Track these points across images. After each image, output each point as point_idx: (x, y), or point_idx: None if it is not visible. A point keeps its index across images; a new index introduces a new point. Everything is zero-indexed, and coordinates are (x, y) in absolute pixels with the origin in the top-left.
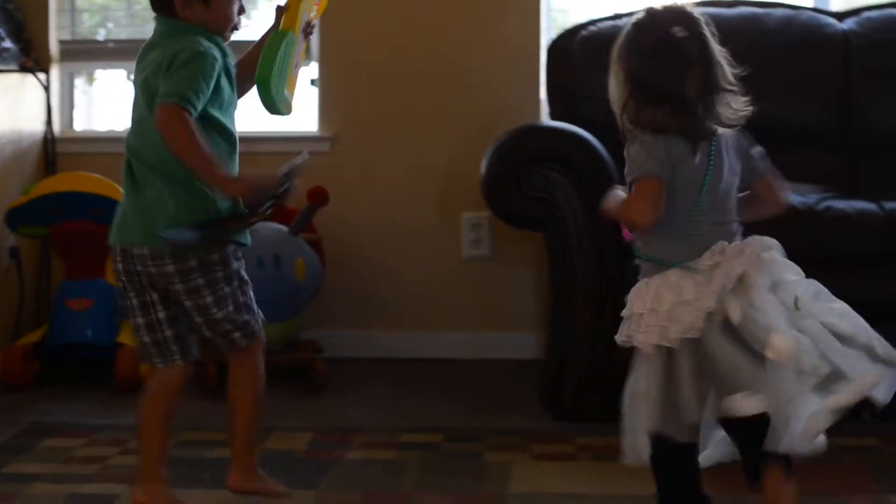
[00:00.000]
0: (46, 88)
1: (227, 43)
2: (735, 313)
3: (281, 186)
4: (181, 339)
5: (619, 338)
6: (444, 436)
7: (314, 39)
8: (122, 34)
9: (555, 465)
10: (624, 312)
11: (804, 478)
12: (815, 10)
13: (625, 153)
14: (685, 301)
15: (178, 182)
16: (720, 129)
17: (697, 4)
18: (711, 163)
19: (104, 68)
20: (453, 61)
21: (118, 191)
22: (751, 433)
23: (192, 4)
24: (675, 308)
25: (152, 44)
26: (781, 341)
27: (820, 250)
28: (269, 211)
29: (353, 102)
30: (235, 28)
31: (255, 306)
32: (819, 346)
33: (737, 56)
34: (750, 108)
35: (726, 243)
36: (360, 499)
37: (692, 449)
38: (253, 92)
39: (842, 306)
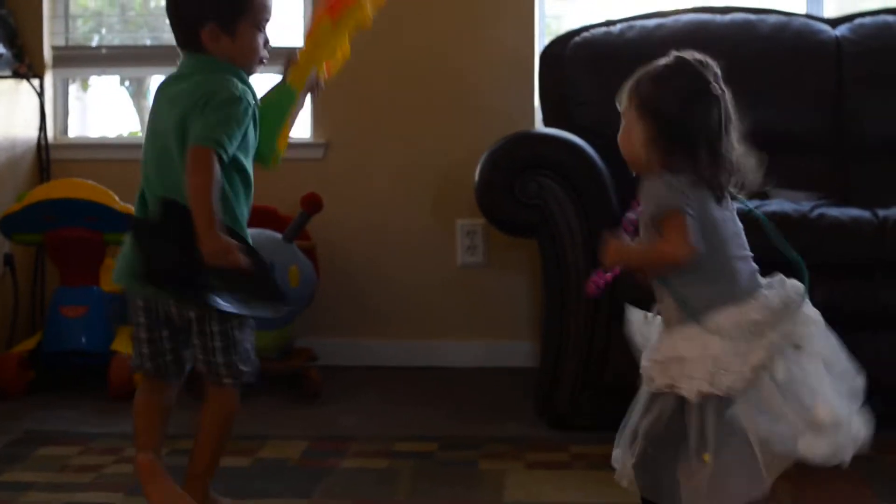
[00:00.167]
0: (40, 94)
1: (251, 77)
2: (780, 372)
3: (247, 274)
4: (180, 362)
5: (659, 382)
6: (439, 444)
7: None
8: (116, 40)
9: (549, 474)
10: (658, 356)
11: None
12: (808, 16)
13: (642, 191)
14: (737, 352)
15: None
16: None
17: (690, 10)
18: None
19: (98, 74)
20: (447, 68)
21: (112, 197)
22: None
23: (220, 38)
24: (726, 357)
25: (180, 76)
26: (826, 410)
27: (813, 258)
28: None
29: (346, 109)
30: (262, 62)
31: (253, 353)
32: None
33: (730, 62)
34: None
35: (767, 295)
36: None
37: None
38: None
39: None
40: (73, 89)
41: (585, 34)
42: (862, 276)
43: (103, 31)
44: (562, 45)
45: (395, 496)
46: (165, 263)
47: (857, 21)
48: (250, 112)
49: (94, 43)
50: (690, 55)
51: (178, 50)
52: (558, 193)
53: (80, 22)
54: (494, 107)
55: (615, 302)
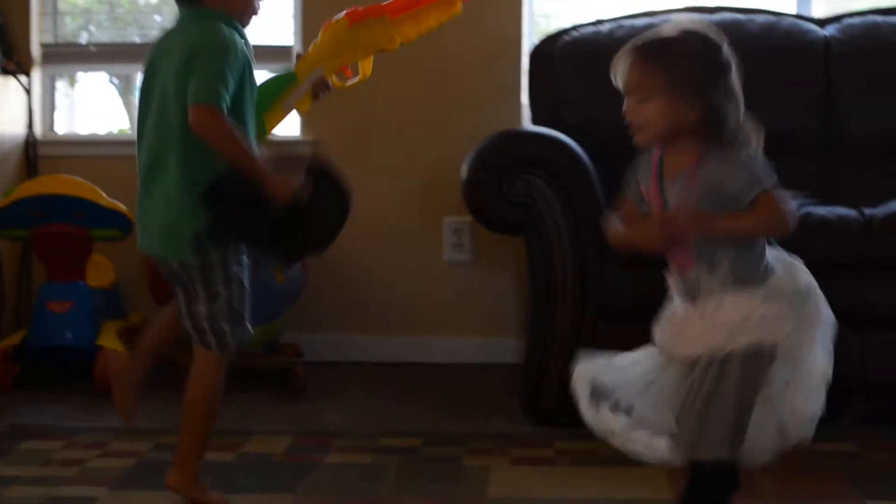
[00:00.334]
0: (28, 91)
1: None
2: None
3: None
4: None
5: (756, 334)
6: (423, 440)
7: (296, 45)
8: (104, 37)
9: (534, 470)
10: (711, 322)
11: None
12: (796, 16)
13: (739, 163)
14: (788, 314)
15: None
16: None
17: (679, 10)
18: None
19: (86, 71)
20: (435, 66)
21: (99, 194)
22: None
23: None
24: (780, 315)
25: (173, 30)
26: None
27: (800, 256)
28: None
29: (335, 107)
30: (255, 13)
31: (244, 320)
32: None
33: None
34: None
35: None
36: (338, 503)
37: None
38: None
39: None
40: (61, 86)
41: (574, 33)
42: (848, 275)
43: (91, 28)
44: (551, 44)
45: (380, 492)
46: (242, 222)
47: (846, 21)
48: (240, 56)
49: (82, 40)
50: (692, 23)
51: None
52: (546, 192)
53: (68, 19)
54: (483, 105)
55: (601, 300)
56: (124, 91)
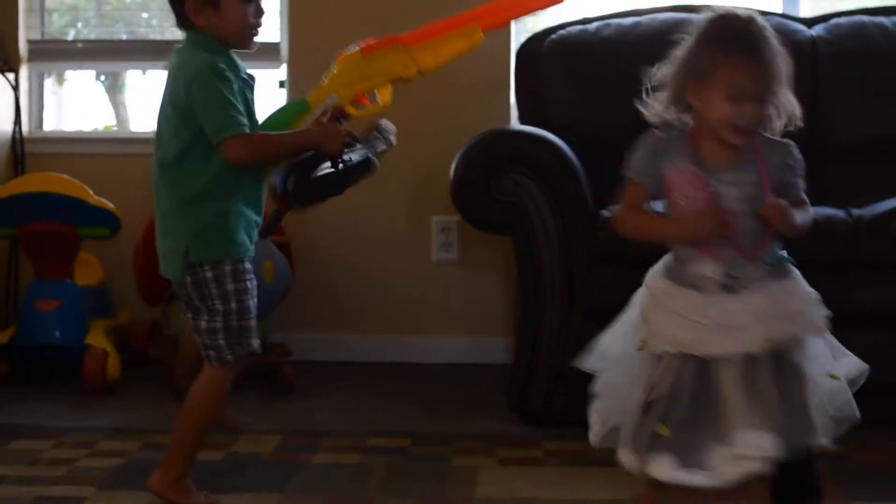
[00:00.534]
0: (15, 88)
1: (251, 50)
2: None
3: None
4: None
5: (816, 318)
6: (411, 440)
7: (283, 42)
8: (92, 34)
9: (522, 470)
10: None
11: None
12: (784, 15)
13: (794, 157)
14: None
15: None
16: None
17: (667, 9)
18: None
19: (74, 68)
20: None
21: (86, 191)
22: None
23: (204, 11)
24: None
25: (176, 51)
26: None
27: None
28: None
29: None
30: (254, 33)
31: (244, 336)
32: None
33: None
34: None
35: None
36: (325, 502)
37: None
38: None
39: None
40: (49, 83)
41: (562, 32)
42: (835, 275)
43: (79, 25)
44: (538, 43)
45: (367, 492)
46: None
47: (833, 21)
48: (229, 77)
49: (69, 37)
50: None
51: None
52: (533, 191)
53: (55, 16)
54: (470, 104)
55: (589, 299)
56: (112, 88)
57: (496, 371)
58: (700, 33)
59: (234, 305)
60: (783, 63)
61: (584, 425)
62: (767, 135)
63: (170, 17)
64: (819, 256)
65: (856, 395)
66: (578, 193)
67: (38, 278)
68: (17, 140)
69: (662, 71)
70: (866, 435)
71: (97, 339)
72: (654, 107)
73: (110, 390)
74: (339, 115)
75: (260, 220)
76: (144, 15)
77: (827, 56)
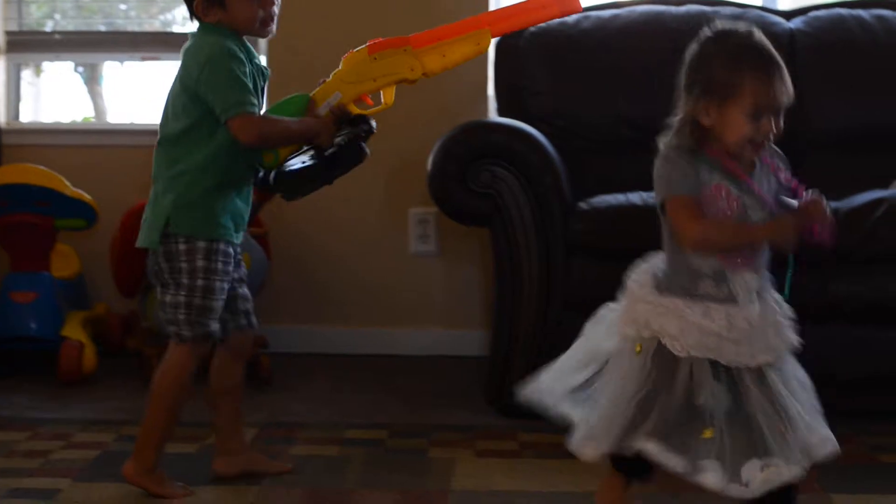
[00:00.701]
0: None
1: (266, 37)
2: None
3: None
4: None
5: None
6: (389, 432)
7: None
8: (70, 26)
9: (499, 462)
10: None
11: None
12: (762, 8)
13: (785, 160)
14: None
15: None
16: None
17: (645, 1)
18: None
19: (51, 60)
20: None
21: (63, 183)
22: None
23: (211, 9)
24: None
25: (191, 35)
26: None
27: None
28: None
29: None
30: (265, 24)
31: (205, 316)
32: None
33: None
34: None
35: None
36: (303, 494)
37: None
38: None
39: None
40: (27, 74)
41: (541, 24)
42: (812, 268)
43: (57, 16)
44: (517, 35)
45: (345, 484)
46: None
47: (812, 14)
48: (242, 59)
49: (47, 28)
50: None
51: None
52: (511, 183)
53: (33, 7)
54: (448, 96)
55: (566, 291)
56: (89, 80)
57: (473, 363)
58: (712, 53)
59: (199, 282)
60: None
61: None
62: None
63: (147, 9)
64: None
65: (829, 390)
66: (556, 186)
67: (14, 270)
68: None
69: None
70: (844, 428)
71: (73, 330)
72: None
73: (86, 382)
74: (339, 112)
75: (247, 211)
76: (122, 6)
77: (805, 49)
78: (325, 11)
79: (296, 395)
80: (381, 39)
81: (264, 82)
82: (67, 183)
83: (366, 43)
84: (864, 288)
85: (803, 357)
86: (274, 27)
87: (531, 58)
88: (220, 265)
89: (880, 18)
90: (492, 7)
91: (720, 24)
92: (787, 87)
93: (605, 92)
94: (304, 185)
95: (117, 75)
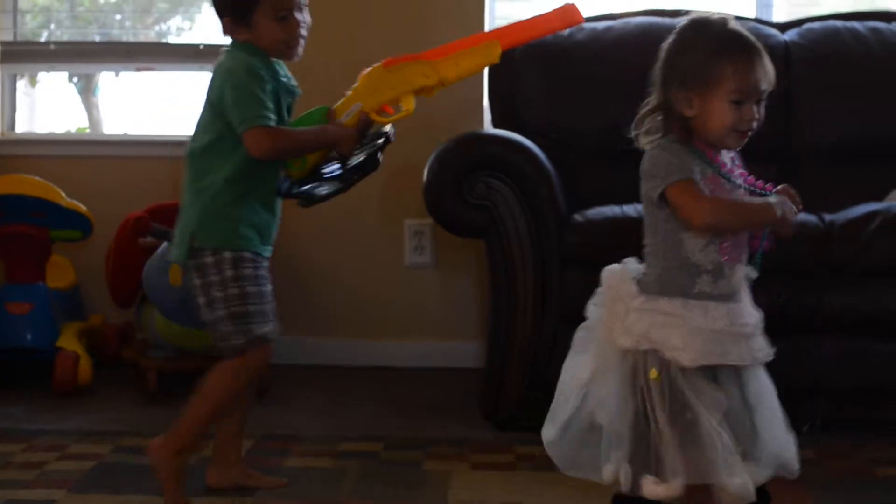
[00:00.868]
0: None
1: (293, 60)
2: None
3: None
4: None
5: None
6: (384, 444)
7: None
8: (65, 36)
9: (494, 475)
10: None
11: None
12: (757, 20)
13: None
14: None
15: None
16: None
17: (640, 13)
18: None
19: (47, 70)
20: None
21: (58, 193)
22: None
23: (238, 29)
24: None
25: (222, 52)
26: None
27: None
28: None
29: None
30: (290, 47)
31: (253, 320)
32: None
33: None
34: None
35: None
36: None
37: None
38: None
39: None
40: (21, 85)
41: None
42: (807, 280)
43: (52, 26)
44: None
45: (340, 496)
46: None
47: (807, 26)
48: (265, 77)
49: (42, 38)
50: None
51: None
52: (506, 194)
53: (28, 17)
54: (443, 107)
55: (561, 303)
56: (85, 90)
57: (469, 375)
58: (691, 42)
59: (233, 291)
60: None
61: None
62: None
63: (143, 20)
64: (791, 261)
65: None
66: (551, 197)
67: (9, 281)
68: None
69: (651, 97)
70: (838, 441)
71: (69, 341)
72: (647, 132)
73: (81, 393)
74: (363, 122)
75: (275, 223)
76: (118, 16)
77: (800, 61)
78: (339, 35)
79: (290, 406)
80: (397, 56)
81: (291, 99)
82: (63, 194)
83: (380, 61)
84: (859, 300)
85: (798, 369)
86: (300, 50)
87: (526, 69)
88: (248, 271)
89: (875, 31)
90: (487, 29)
91: (696, 15)
92: (767, 73)
93: (599, 103)
94: (322, 193)
95: (112, 86)
